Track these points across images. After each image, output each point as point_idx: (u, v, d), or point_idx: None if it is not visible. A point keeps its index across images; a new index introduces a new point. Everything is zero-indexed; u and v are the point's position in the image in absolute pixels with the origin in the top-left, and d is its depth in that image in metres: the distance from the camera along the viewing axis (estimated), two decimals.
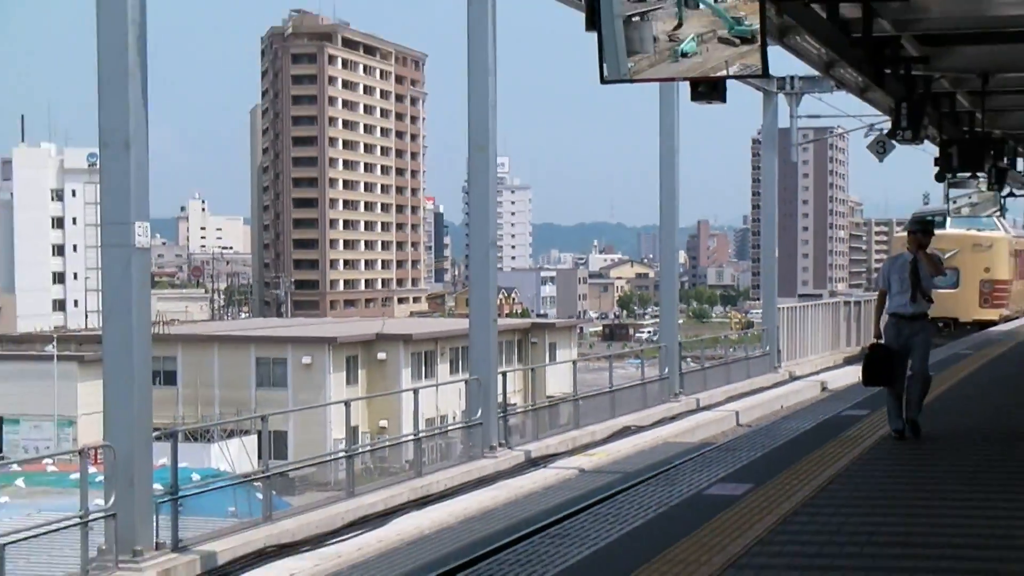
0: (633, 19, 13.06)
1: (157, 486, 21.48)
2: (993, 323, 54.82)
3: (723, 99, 14.99)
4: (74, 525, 20.04)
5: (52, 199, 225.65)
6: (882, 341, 17.90)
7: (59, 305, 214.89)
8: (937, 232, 24.28)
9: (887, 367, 17.65)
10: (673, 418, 39.51)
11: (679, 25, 12.96)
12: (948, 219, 54.53)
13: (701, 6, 12.92)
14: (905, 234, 19.95)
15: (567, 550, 14.17)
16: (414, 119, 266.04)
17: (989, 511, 14.68)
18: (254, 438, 62.72)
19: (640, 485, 22.07)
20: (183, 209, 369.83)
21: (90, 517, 20.01)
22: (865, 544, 13.20)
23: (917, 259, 17.35)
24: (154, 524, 21.04)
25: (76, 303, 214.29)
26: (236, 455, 57.57)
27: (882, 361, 17.62)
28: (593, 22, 13.44)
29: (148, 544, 20.65)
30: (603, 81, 13.43)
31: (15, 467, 43.54)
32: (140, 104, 20.57)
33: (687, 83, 14.21)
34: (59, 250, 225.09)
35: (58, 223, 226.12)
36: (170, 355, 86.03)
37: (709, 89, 14.30)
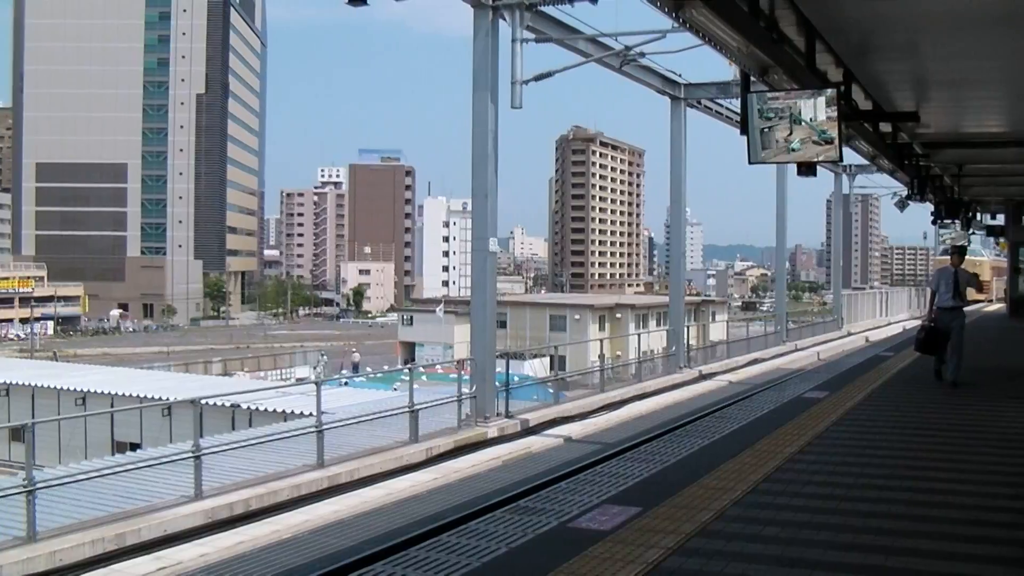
0: (764, 129, 13.08)
1: (497, 383, 21.54)
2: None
3: (815, 175, 14.98)
4: (453, 401, 20.17)
5: (443, 226, 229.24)
6: (932, 324, 17.47)
7: (444, 283, 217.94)
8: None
9: (934, 342, 17.22)
10: (783, 355, 38.88)
11: (790, 133, 12.91)
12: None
13: (803, 123, 12.87)
14: (947, 256, 19.40)
15: (726, 424, 14.09)
16: (637, 185, 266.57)
17: (999, 414, 14.21)
18: (547, 360, 62.89)
19: (765, 391, 21.81)
20: (511, 232, 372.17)
21: (462, 397, 20.21)
22: (895, 427, 12.87)
23: (956, 271, 16.92)
24: (495, 402, 21.16)
25: (453, 283, 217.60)
26: (537, 367, 57.55)
27: (932, 338, 17.19)
28: (744, 130, 13.36)
29: (492, 413, 20.75)
30: (750, 162, 13.46)
31: (421, 369, 43.51)
32: (493, 173, 20.61)
33: (794, 165, 14.30)
34: (445, 254, 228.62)
35: (444, 239, 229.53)
36: (502, 311, 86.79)
37: (807, 169, 14.27)
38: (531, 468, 17.27)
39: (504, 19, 20.34)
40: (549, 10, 21.26)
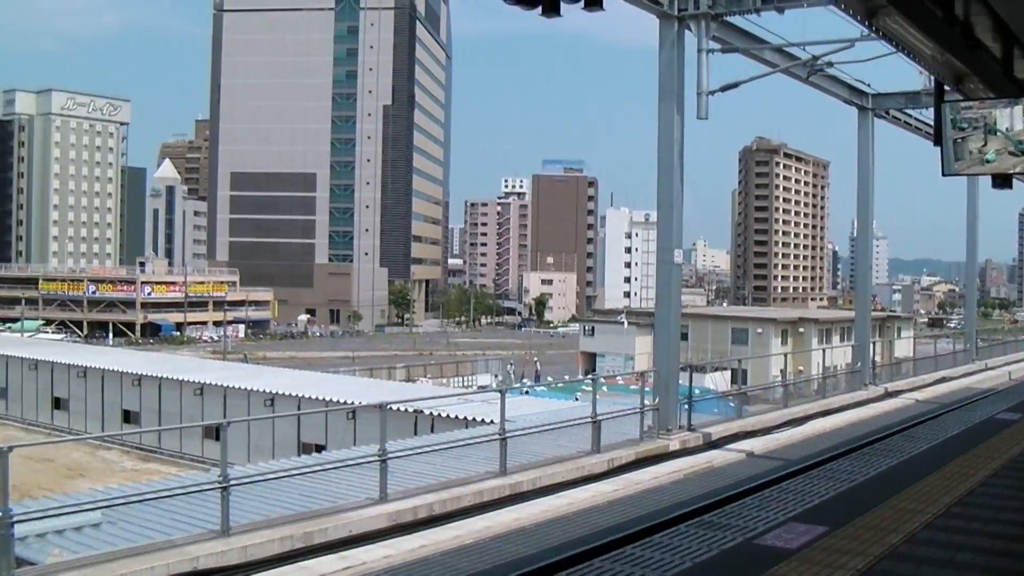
0: (958, 140, 12.69)
1: (679, 396, 21.36)
2: None
3: (1010, 187, 14.51)
4: (635, 412, 20.05)
5: (625, 237, 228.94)
6: None
7: (626, 294, 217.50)
8: None
9: None
10: (972, 373, 37.64)
11: (985, 143, 12.50)
12: None
13: (998, 133, 12.45)
14: None
15: (913, 444, 13.68)
16: (822, 197, 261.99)
17: None
18: (727, 373, 62.23)
19: (954, 411, 21.14)
20: (693, 244, 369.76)
21: (644, 409, 20.09)
22: None
23: None
24: (677, 415, 20.98)
25: (635, 293, 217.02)
26: (718, 380, 57.00)
27: None
28: (938, 141, 13.01)
29: (675, 426, 20.58)
30: (943, 174, 13.08)
31: (602, 379, 43.59)
32: (679, 184, 20.45)
33: (988, 177, 13.88)
34: (627, 264, 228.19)
35: (627, 250, 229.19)
36: (684, 324, 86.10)
37: (1002, 181, 13.86)
38: (713, 482, 17.07)
39: (690, 29, 20.20)
40: (736, 20, 21.02)
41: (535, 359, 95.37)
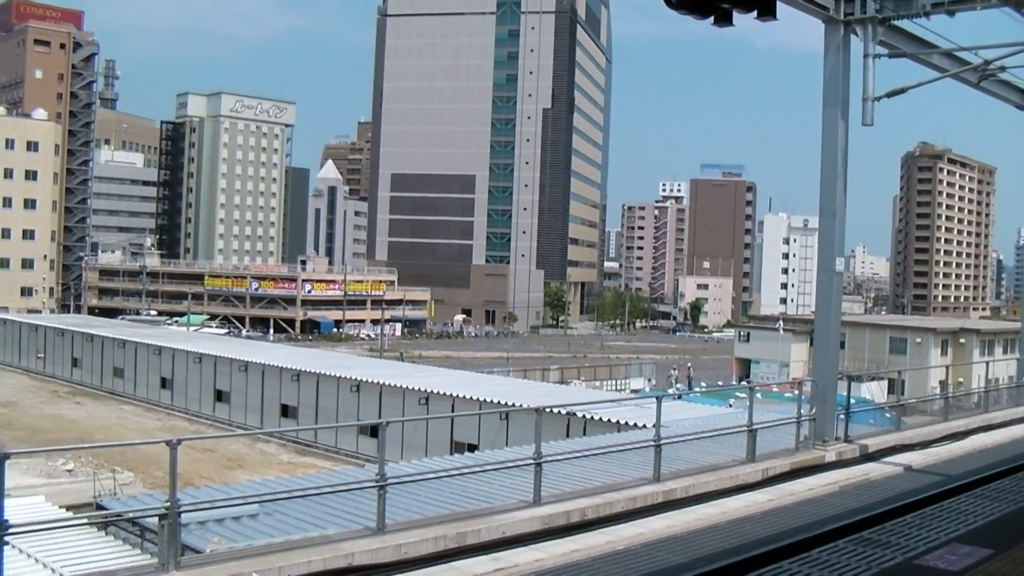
0: None
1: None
2: None
3: None
4: (791, 422, 19.72)
5: (783, 243, 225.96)
6: None
7: (782, 300, 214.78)
8: None
9: None
10: None
11: None
12: None
13: None
14: None
15: None
16: (987, 204, 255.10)
17: None
18: (884, 383, 60.98)
19: None
20: (852, 251, 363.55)
21: (801, 418, 19.73)
22: None
23: None
24: (835, 425, 20.57)
25: (791, 300, 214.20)
26: (875, 391, 55.86)
27: None
28: None
29: (831, 436, 20.16)
30: None
31: (758, 388, 43.20)
32: (842, 192, 20.02)
33: None
34: (784, 271, 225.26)
35: (784, 256, 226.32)
36: (841, 332, 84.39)
37: None
38: (869, 496, 16.65)
39: (856, 34, 19.75)
40: (903, 24, 20.49)
41: (688, 365, 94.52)
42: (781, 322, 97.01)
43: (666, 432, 17.56)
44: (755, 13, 11.23)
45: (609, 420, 37.53)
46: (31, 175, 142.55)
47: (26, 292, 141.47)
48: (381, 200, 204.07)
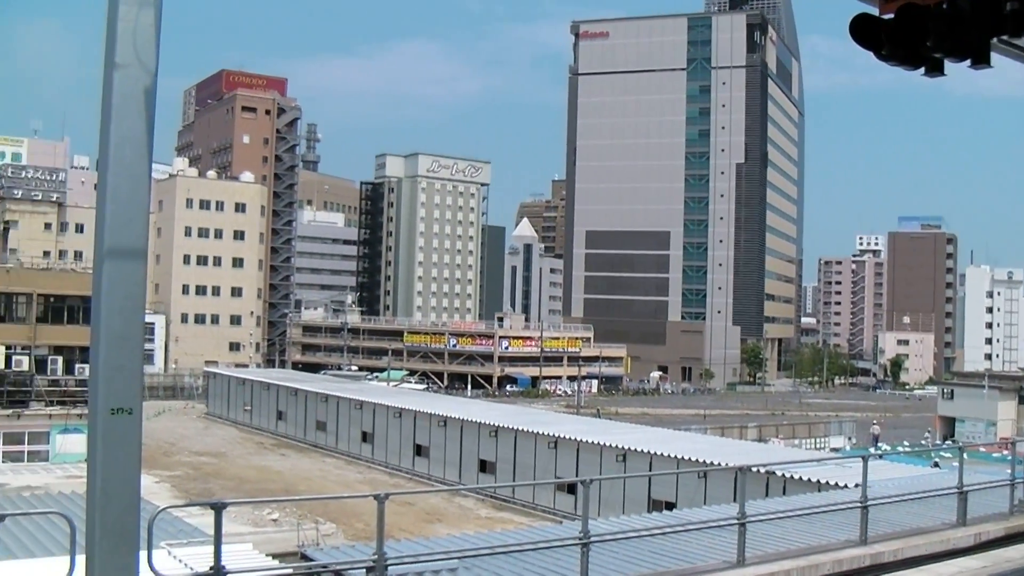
0: None
1: None
2: None
3: None
4: (1005, 484, 18.69)
5: (986, 296, 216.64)
6: None
7: (987, 356, 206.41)
8: None
9: None
10: None
11: None
12: None
13: None
14: None
15: None
16: None
17: None
18: None
19: None
20: None
21: (1016, 480, 18.61)
22: None
23: None
24: None
25: (997, 355, 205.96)
26: None
27: None
28: None
29: None
30: None
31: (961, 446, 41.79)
32: None
33: None
34: (988, 325, 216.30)
35: (988, 310, 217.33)
36: None
37: None
38: None
39: None
40: None
41: (875, 422, 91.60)
42: (987, 379, 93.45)
43: (871, 492, 17.13)
44: (968, 62, 10.92)
45: (809, 479, 36.82)
46: (239, 235, 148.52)
47: (234, 347, 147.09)
48: (576, 257, 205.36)
